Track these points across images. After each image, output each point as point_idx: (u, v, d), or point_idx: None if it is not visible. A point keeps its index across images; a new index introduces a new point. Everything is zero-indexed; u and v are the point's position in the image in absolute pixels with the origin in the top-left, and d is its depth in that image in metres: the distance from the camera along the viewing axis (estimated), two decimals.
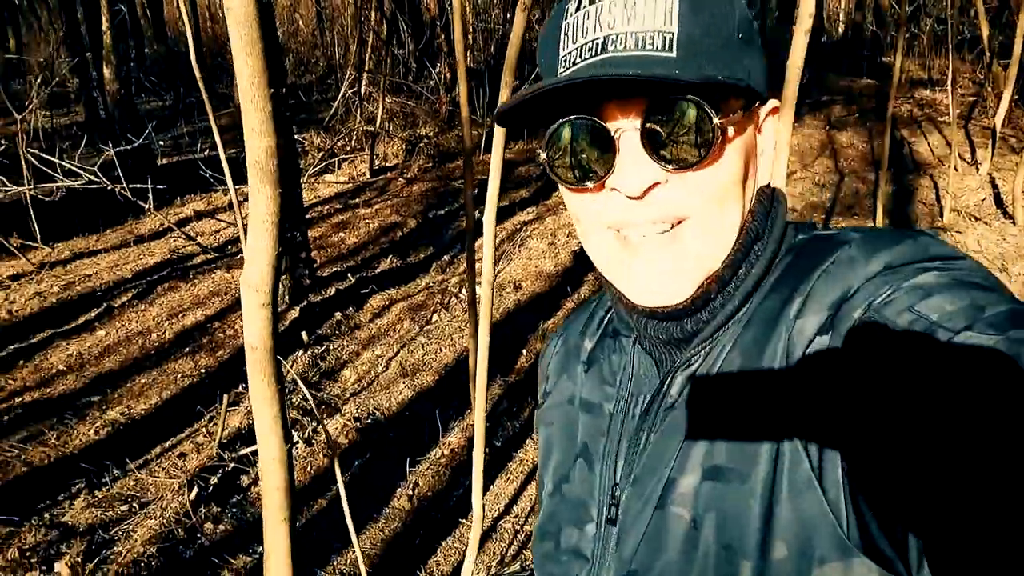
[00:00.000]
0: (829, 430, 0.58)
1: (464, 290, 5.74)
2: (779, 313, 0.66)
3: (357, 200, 8.49)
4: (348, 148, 9.98)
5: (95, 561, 3.18)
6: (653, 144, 0.64)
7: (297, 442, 4.11)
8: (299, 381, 2.71)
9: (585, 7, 0.66)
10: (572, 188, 0.70)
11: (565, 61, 0.68)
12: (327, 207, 8.40)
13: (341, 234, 7.48)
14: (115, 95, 9.59)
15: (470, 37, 12.25)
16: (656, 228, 0.67)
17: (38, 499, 3.61)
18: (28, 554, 3.20)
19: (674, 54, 0.63)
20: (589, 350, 0.86)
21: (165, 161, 10.21)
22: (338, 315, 5.60)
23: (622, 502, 0.72)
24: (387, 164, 9.73)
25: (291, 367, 4.89)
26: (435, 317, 5.58)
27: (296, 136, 10.02)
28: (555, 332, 0.97)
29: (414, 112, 10.74)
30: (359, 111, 10.25)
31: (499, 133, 2.23)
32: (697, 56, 0.63)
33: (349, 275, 6.36)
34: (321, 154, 9.69)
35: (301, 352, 5.09)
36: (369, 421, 4.40)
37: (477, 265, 6.38)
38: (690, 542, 0.65)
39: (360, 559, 2.64)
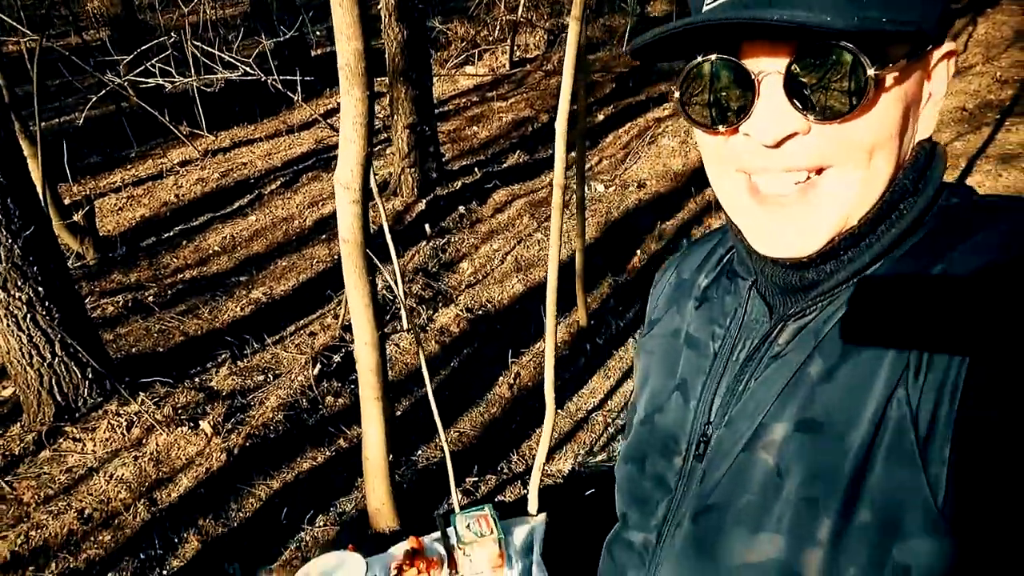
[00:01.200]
0: (945, 408, 0.55)
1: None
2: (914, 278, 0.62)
3: (493, 93, 8.53)
4: (490, 39, 9.93)
5: (231, 422, 3.65)
6: (797, 91, 0.59)
7: (410, 328, 4.41)
8: (395, 276, 2.91)
9: None
10: (705, 130, 0.66)
11: None
12: (464, 99, 8.50)
13: (474, 127, 7.60)
14: None
15: None
16: (791, 177, 0.63)
17: (190, 365, 4.15)
18: (179, 412, 3.73)
19: None
20: (703, 287, 0.84)
21: (319, 51, 10.64)
22: (462, 209, 5.80)
23: (712, 441, 0.72)
24: (528, 56, 9.62)
25: (413, 257, 5.17)
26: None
27: (440, 26, 10.09)
28: (671, 260, 0.95)
29: (559, 0, 10.45)
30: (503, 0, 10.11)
31: (573, 32, 2.19)
32: None
33: (476, 169, 6.51)
34: (464, 44, 9.72)
35: (424, 243, 5.36)
36: (480, 312, 4.62)
37: (587, 164, 6.31)
38: (772, 488, 0.64)
39: (444, 440, 2.88)
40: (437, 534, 2.60)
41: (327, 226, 5.75)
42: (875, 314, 0.63)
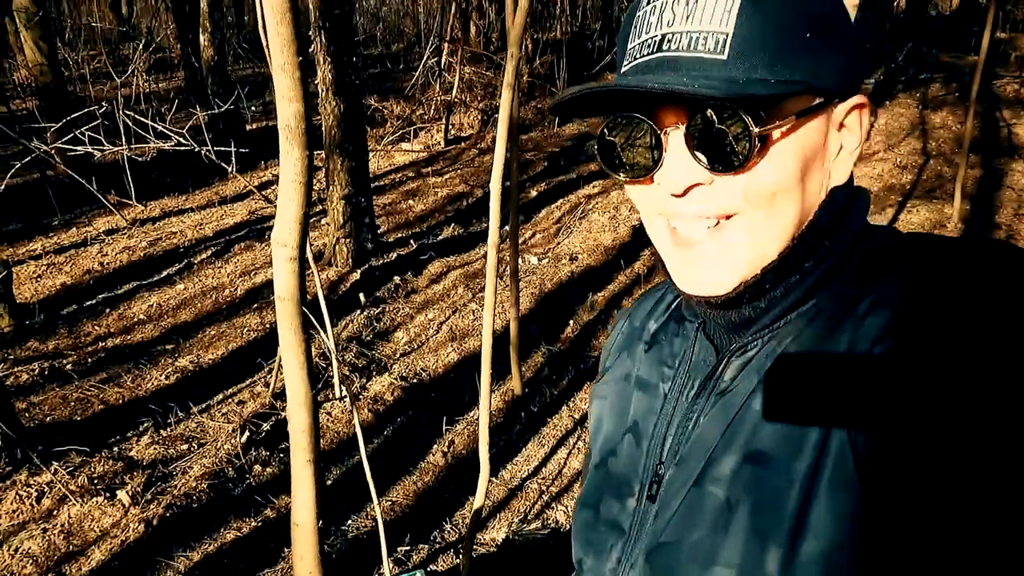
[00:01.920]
0: (881, 433, 0.58)
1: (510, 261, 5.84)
2: (846, 311, 0.65)
3: (429, 169, 8.69)
4: (426, 117, 10.19)
5: (151, 491, 3.49)
6: (695, 146, 0.65)
7: (345, 396, 4.34)
8: (328, 340, 2.90)
9: (654, 1, 0.67)
10: (626, 180, 0.72)
11: (630, 55, 0.69)
12: (400, 174, 8.63)
13: (410, 201, 7.71)
14: (209, 61, 10.07)
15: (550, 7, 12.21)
16: (703, 223, 0.68)
17: (109, 434, 3.97)
18: (95, 481, 3.55)
19: (724, 56, 0.63)
20: (653, 331, 0.88)
21: (254, 126, 10.69)
22: (397, 279, 5.82)
23: (664, 480, 0.74)
24: (462, 134, 9.89)
25: (348, 326, 5.14)
26: None
27: (377, 104, 10.31)
28: (623, 312, 0.99)
29: (492, 83, 10.85)
30: (439, 81, 10.43)
31: (506, 99, 2.31)
32: (751, 57, 0.63)
33: (412, 241, 6.57)
34: (399, 122, 9.94)
35: (358, 313, 5.33)
36: (415, 381, 4.60)
37: (521, 238, 6.46)
38: (722, 521, 0.66)
39: (376, 506, 2.82)
40: None
41: (259, 295, 5.67)
42: (811, 349, 0.67)
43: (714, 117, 0.63)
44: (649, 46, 0.67)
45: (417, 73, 10.70)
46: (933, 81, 10.32)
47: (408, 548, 3.31)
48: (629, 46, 0.70)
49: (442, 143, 9.48)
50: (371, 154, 7.78)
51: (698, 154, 0.65)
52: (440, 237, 6.76)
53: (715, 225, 0.67)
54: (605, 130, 0.71)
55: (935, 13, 14.79)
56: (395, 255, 6.30)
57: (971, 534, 0.52)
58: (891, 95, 9.98)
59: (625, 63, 0.70)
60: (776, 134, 0.64)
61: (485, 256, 6.17)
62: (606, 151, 0.72)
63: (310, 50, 5.77)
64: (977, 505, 0.51)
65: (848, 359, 0.62)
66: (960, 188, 6.01)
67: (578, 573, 0.86)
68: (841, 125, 0.69)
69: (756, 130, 0.62)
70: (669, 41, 0.65)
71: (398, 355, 4.89)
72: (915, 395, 0.56)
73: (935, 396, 0.55)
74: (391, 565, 3.05)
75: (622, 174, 0.72)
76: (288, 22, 2.44)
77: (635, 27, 0.69)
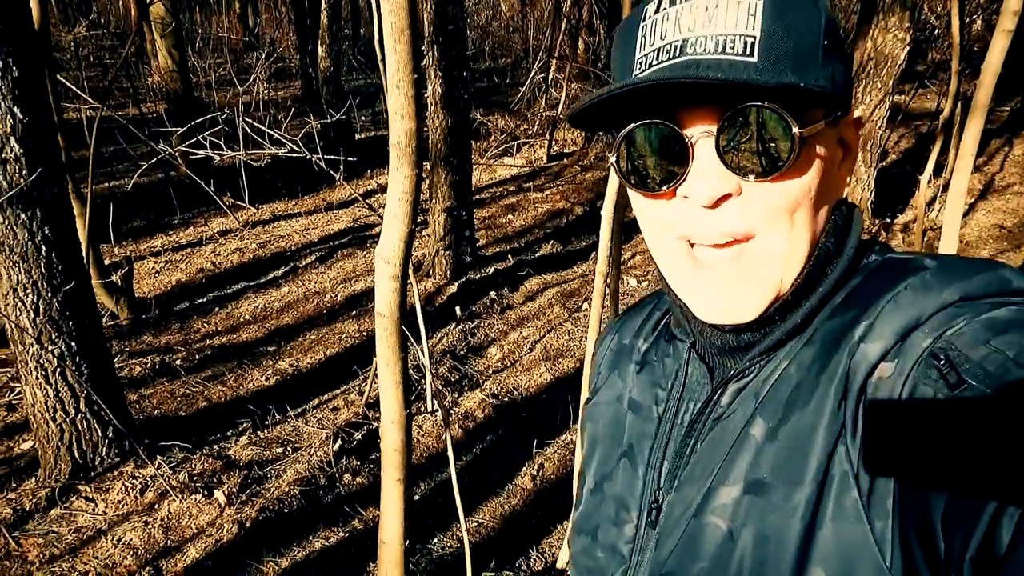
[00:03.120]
0: (885, 461, 0.57)
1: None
2: (843, 335, 0.64)
3: (530, 184, 8.68)
4: (530, 132, 10.20)
5: (246, 493, 3.57)
6: (729, 152, 0.62)
7: (436, 411, 4.34)
8: (424, 355, 2.88)
9: (665, 9, 0.65)
10: (644, 193, 0.69)
11: (641, 63, 0.66)
12: (501, 188, 8.66)
13: (510, 216, 7.71)
14: (326, 71, 10.42)
15: None
16: (724, 249, 0.66)
17: (211, 431, 4.10)
18: (195, 479, 3.66)
19: (755, 59, 0.61)
20: (643, 351, 0.86)
21: (363, 136, 10.98)
22: (493, 294, 5.81)
23: (664, 507, 0.73)
24: (565, 150, 9.84)
25: (442, 339, 5.15)
26: (585, 305, 5.63)
27: (481, 118, 10.40)
28: (610, 326, 0.97)
29: None
30: (544, 96, 10.43)
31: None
32: (780, 62, 0.61)
33: (510, 256, 6.55)
34: (503, 136, 9.99)
35: (453, 326, 5.34)
36: (506, 399, 4.55)
37: (623, 257, 6.31)
38: (725, 553, 0.65)
39: (464, 528, 2.78)
40: None
41: (358, 303, 5.77)
42: (807, 373, 0.65)
43: (753, 117, 0.61)
44: (668, 52, 0.63)
45: (524, 88, 10.74)
46: None
47: (493, 573, 3.25)
48: (639, 54, 0.66)
49: (544, 159, 9.46)
50: (474, 167, 7.83)
51: (733, 159, 0.62)
52: (538, 254, 6.72)
53: (733, 244, 0.65)
54: (624, 140, 0.67)
55: None
56: (492, 269, 6.29)
57: (981, 564, 0.50)
58: None
59: (637, 71, 0.66)
60: (810, 140, 0.63)
61: (583, 275, 6.09)
62: (626, 163, 0.68)
63: (422, 64, 5.85)
64: (986, 534, 0.49)
65: (846, 385, 0.61)
66: None
67: None
68: (842, 139, 0.68)
69: (797, 131, 0.60)
70: (692, 44, 0.62)
71: (491, 371, 4.86)
72: (918, 422, 0.55)
73: (939, 423, 0.53)
74: None
75: (643, 187, 0.68)
76: (406, 40, 2.44)
77: (642, 36, 0.66)
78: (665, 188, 0.66)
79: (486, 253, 6.68)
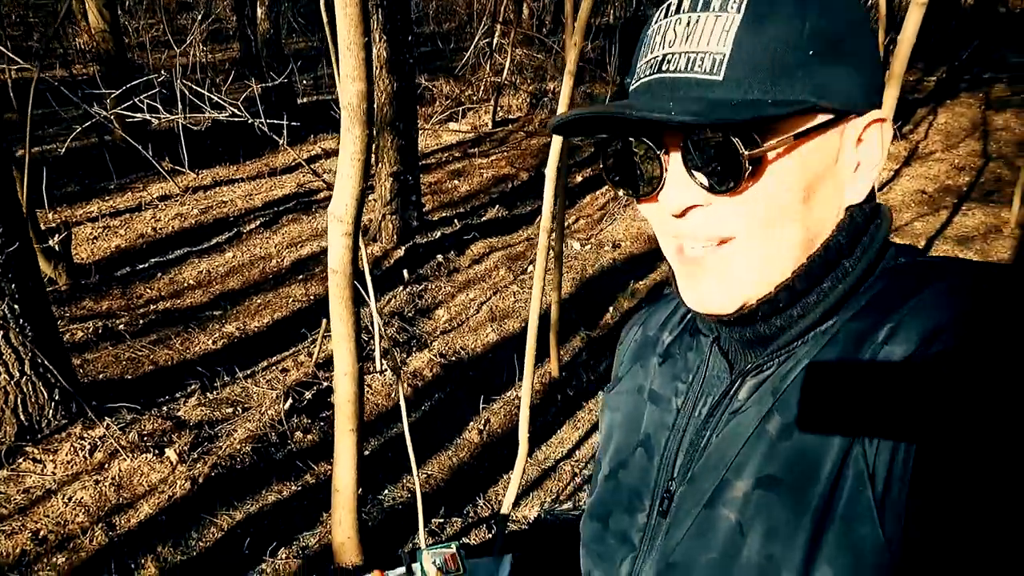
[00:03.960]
0: (902, 464, 0.56)
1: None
2: (866, 335, 0.63)
3: (476, 150, 8.73)
4: (475, 98, 10.21)
5: (197, 451, 3.61)
6: (691, 168, 0.65)
7: (386, 370, 4.43)
8: (375, 313, 2.97)
9: (661, 20, 0.67)
10: (631, 198, 0.73)
11: (638, 73, 0.70)
12: (447, 154, 8.68)
13: (456, 181, 7.76)
14: (265, 34, 10.20)
15: None
16: (703, 243, 0.68)
17: (158, 393, 4.11)
18: (145, 438, 3.68)
19: (720, 77, 0.62)
20: (667, 343, 0.87)
21: (305, 100, 10.82)
22: (440, 257, 5.89)
23: (676, 497, 0.73)
24: (510, 116, 9.89)
25: (390, 301, 5.22)
26: (530, 268, 5.76)
27: (426, 83, 10.36)
28: (636, 318, 0.98)
29: (543, 66, 10.82)
30: (489, 62, 10.44)
31: (567, 87, 2.33)
32: (747, 78, 0.62)
33: (456, 221, 6.63)
34: (448, 102, 9.98)
35: (401, 289, 5.41)
36: (454, 359, 4.66)
37: (565, 223, 6.45)
38: (734, 545, 0.65)
39: (416, 476, 2.89)
40: (401, 570, 2.60)
41: (305, 267, 5.78)
42: (829, 373, 0.65)
43: (705, 140, 0.63)
44: (652, 66, 0.67)
45: (468, 53, 10.71)
46: (998, 81, 10.03)
47: (442, 521, 3.38)
48: (638, 64, 0.70)
49: (490, 124, 9.50)
50: (419, 133, 7.84)
51: (695, 175, 0.65)
52: (484, 218, 6.80)
53: (717, 245, 0.68)
54: (609, 150, 0.72)
55: (1004, 10, 14.30)
56: (439, 234, 6.36)
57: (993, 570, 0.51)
58: (953, 94, 9.72)
59: (633, 81, 0.71)
60: (772, 155, 0.63)
61: (528, 239, 6.21)
62: (611, 171, 0.73)
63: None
64: (1005, 547, 0.49)
65: (866, 385, 0.61)
66: (1021, 192, 5.86)
67: None
68: (859, 140, 0.68)
69: (746, 153, 0.61)
70: (669, 61, 0.65)
71: (438, 332, 4.96)
72: (939, 427, 0.54)
73: (959, 429, 0.53)
74: (426, 536, 3.13)
75: (629, 193, 0.72)
76: (356, 3, 2.49)
77: (644, 45, 0.70)
78: (647, 195, 0.69)
79: (432, 218, 6.73)
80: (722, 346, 0.78)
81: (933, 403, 0.55)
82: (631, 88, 0.70)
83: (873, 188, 0.71)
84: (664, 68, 0.66)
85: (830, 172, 0.67)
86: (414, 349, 4.73)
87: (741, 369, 0.74)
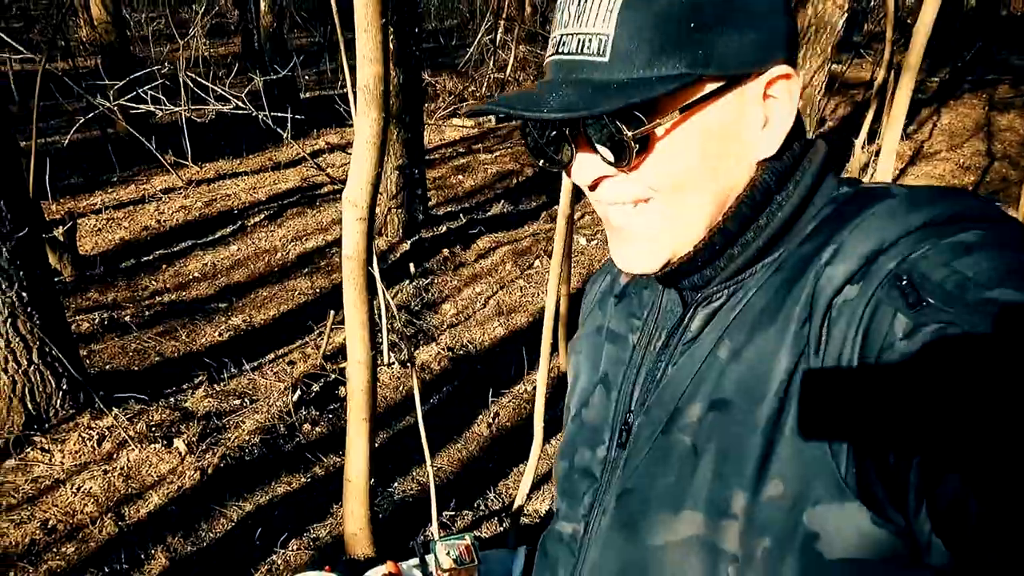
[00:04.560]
0: (842, 378, 0.59)
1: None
2: (810, 259, 0.66)
3: (480, 145, 8.71)
4: (478, 94, 10.19)
5: (206, 442, 3.59)
6: (591, 145, 0.68)
7: (394, 363, 4.40)
8: (390, 306, 2.95)
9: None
10: (551, 170, 0.77)
11: (552, 46, 0.71)
12: (451, 150, 8.66)
13: (460, 176, 7.73)
14: (268, 28, 10.17)
15: None
16: (623, 208, 0.71)
17: (166, 384, 4.08)
18: (153, 429, 3.66)
19: (606, 58, 0.64)
20: (623, 284, 0.90)
21: (308, 95, 10.79)
22: (446, 252, 5.87)
23: (634, 429, 0.76)
24: None
25: (397, 295, 5.20)
26: (537, 263, 5.74)
27: (429, 78, 10.33)
28: (600, 271, 1.01)
29: None
30: (492, 58, 10.41)
31: None
32: (631, 57, 0.63)
33: (461, 215, 6.61)
34: (452, 98, 9.96)
35: (407, 282, 5.39)
36: (461, 352, 4.64)
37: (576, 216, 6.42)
38: (688, 467, 0.68)
39: (429, 466, 2.87)
40: (415, 560, 2.58)
41: (310, 260, 5.76)
42: (773, 296, 0.68)
43: (594, 125, 0.66)
44: (553, 46, 0.69)
45: (471, 49, 10.69)
46: (1002, 82, 10.04)
47: (453, 513, 3.36)
48: (552, 36, 0.71)
49: (493, 121, 9.47)
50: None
51: (599, 150, 0.67)
52: (489, 213, 6.78)
53: (635, 207, 0.70)
54: (524, 131, 0.74)
55: (1006, 13, 14.32)
56: (445, 228, 6.34)
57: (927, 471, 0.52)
58: (956, 94, 9.73)
59: (548, 53, 0.72)
60: (660, 131, 0.65)
61: (533, 235, 6.19)
62: (532, 149, 0.75)
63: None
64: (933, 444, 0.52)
65: (812, 306, 0.64)
66: None
67: (555, 520, 0.89)
68: (765, 96, 0.68)
69: (629, 135, 0.64)
70: (564, 44, 0.67)
71: (445, 326, 4.94)
72: (876, 341, 0.57)
73: (895, 342, 0.56)
74: (438, 527, 3.11)
75: (547, 166, 0.75)
76: None
77: (551, 23, 0.73)
78: (564, 168, 0.73)
79: (438, 212, 6.71)
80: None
81: (873, 318, 0.58)
82: (547, 59, 0.72)
83: (804, 125, 0.74)
84: (560, 50, 0.67)
85: (733, 133, 0.68)
86: (421, 343, 4.71)
87: (693, 300, 0.76)
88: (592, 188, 0.71)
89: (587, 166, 0.69)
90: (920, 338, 0.54)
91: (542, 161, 0.74)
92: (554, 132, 0.71)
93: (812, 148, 0.74)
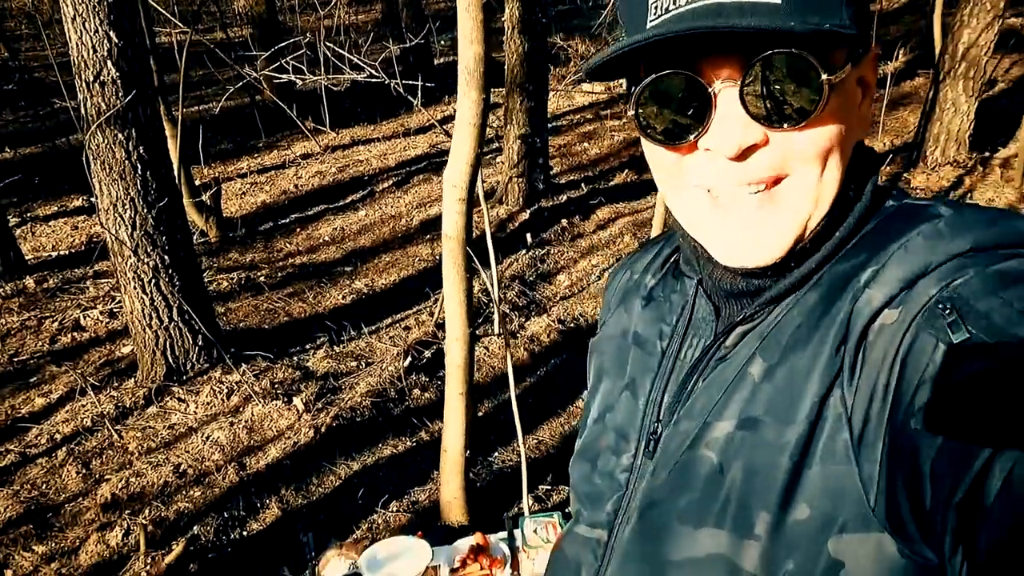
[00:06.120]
0: (880, 407, 0.57)
1: None
2: (849, 280, 0.63)
3: (608, 111, 8.56)
4: None
5: (322, 401, 3.81)
6: (754, 102, 0.59)
7: (501, 334, 4.47)
8: (492, 281, 2.98)
9: None
10: (664, 147, 0.65)
11: (656, 9, 0.61)
12: (578, 115, 8.57)
13: (585, 144, 7.65)
14: None
15: None
16: (750, 189, 0.63)
17: (291, 344, 4.36)
18: (276, 386, 3.92)
19: (780, 1, 0.57)
20: (650, 287, 0.86)
21: (441, 60, 10.97)
22: (564, 222, 5.85)
23: (662, 439, 0.74)
24: None
25: (512, 265, 5.25)
26: (656, 234, 5.62)
27: (562, 42, 10.21)
28: (621, 264, 0.97)
29: None
30: None
31: None
32: (803, 3, 0.57)
33: (583, 185, 6.55)
34: (583, 63, 9.81)
35: (524, 252, 5.43)
36: (572, 325, 4.65)
37: None
38: (714, 484, 0.67)
39: (521, 443, 2.92)
40: (504, 534, 2.63)
41: (432, 227, 5.91)
42: (808, 316, 0.65)
43: (778, 63, 0.58)
44: None
45: (606, 11, 10.45)
46: None
47: (549, 488, 3.41)
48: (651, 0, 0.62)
49: (624, 84, 9.27)
50: (551, 94, 7.76)
51: (759, 108, 0.59)
52: (612, 182, 6.68)
53: (763, 190, 0.63)
54: (643, 92, 0.63)
55: None
56: (565, 197, 6.31)
57: (965, 511, 0.49)
58: None
59: (650, 18, 0.61)
60: (837, 85, 0.60)
61: (654, 206, 6.04)
62: (645, 116, 0.65)
63: None
64: (975, 482, 0.48)
65: (847, 329, 0.61)
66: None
67: (575, 522, 0.87)
68: (860, 78, 0.65)
69: (825, 77, 0.58)
70: None
71: (558, 298, 4.95)
72: (916, 370, 0.55)
73: (937, 371, 0.53)
74: (530, 502, 3.16)
75: (664, 141, 0.65)
76: None
77: None
78: (687, 141, 0.63)
79: (560, 181, 6.69)
80: (706, 288, 0.77)
81: (910, 349, 0.56)
82: (651, 24, 0.61)
83: None
84: None
85: (854, 107, 0.65)
86: (533, 314, 4.74)
87: (729, 317, 0.73)
88: (738, 158, 0.61)
89: (742, 129, 0.60)
90: (963, 373, 0.52)
91: (658, 136, 0.65)
92: (687, 92, 0.61)
93: (870, 155, 0.71)
